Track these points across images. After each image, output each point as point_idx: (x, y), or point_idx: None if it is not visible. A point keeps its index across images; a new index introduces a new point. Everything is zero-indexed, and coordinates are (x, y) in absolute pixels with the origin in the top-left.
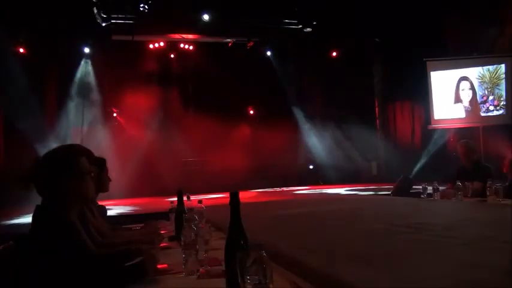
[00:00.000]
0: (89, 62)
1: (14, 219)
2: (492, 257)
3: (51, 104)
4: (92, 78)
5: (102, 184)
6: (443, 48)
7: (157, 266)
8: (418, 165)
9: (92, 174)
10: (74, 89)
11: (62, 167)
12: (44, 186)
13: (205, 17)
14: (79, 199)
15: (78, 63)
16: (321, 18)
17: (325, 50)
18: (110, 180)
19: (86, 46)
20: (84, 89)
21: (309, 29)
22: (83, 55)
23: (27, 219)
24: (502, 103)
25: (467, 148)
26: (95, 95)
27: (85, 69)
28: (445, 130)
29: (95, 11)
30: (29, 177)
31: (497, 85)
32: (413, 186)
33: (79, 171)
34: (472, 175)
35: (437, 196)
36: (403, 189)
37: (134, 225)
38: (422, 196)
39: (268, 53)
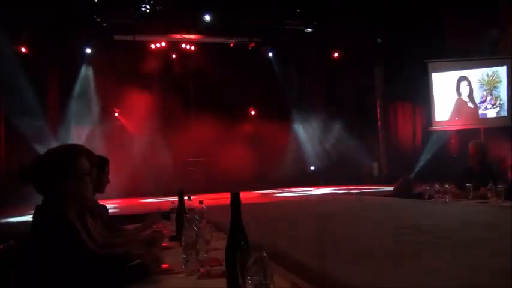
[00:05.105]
0: (90, 68)
1: (14, 217)
2: (492, 259)
3: (53, 104)
4: (92, 83)
5: (99, 185)
6: (444, 49)
7: (160, 266)
8: (419, 167)
9: (91, 175)
10: (75, 90)
11: (61, 166)
12: (44, 185)
13: (207, 17)
14: (77, 199)
15: (80, 63)
16: (322, 19)
17: (326, 51)
18: (108, 182)
19: (88, 46)
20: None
21: (310, 30)
22: (84, 55)
23: (27, 217)
24: (498, 102)
25: (478, 149)
26: (96, 96)
27: (85, 73)
28: (446, 131)
29: (97, 10)
30: (28, 175)
31: (495, 87)
32: (414, 187)
33: (78, 172)
34: (478, 177)
35: (438, 198)
36: (404, 190)
37: (134, 225)
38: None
39: (270, 54)
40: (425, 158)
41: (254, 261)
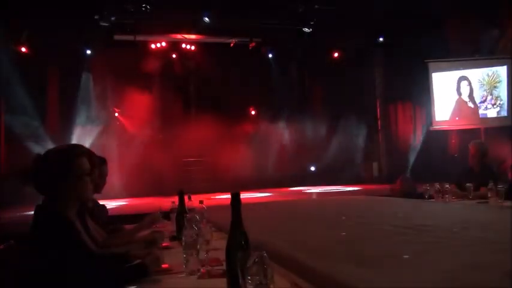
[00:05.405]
0: (90, 68)
1: (14, 215)
2: (492, 259)
3: (52, 104)
4: (92, 84)
5: (96, 185)
6: (444, 49)
7: (160, 266)
8: (419, 166)
9: (92, 175)
10: (75, 90)
11: (61, 166)
12: (44, 185)
13: (207, 17)
14: (76, 199)
15: (80, 63)
16: (322, 18)
17: (326, 51)
18: (105, 182)
19: (88, 46)
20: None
21: (310, 30)
22: (84, 55)
23: (27, 217)
24: (498, 102)
25: (478, 149)
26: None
27: (85, 73)
28: (447, 131)
29: (97, 10)
30: (28, 175)
31: (495, 87)
32: (415, 187)
33: (78, 172)
34: (479, 177)
35: (438, 198)
36: (403, 190)
37: (133, 225)
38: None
39: (270, 54)
40: (425, 158)
41: (254, 261)
